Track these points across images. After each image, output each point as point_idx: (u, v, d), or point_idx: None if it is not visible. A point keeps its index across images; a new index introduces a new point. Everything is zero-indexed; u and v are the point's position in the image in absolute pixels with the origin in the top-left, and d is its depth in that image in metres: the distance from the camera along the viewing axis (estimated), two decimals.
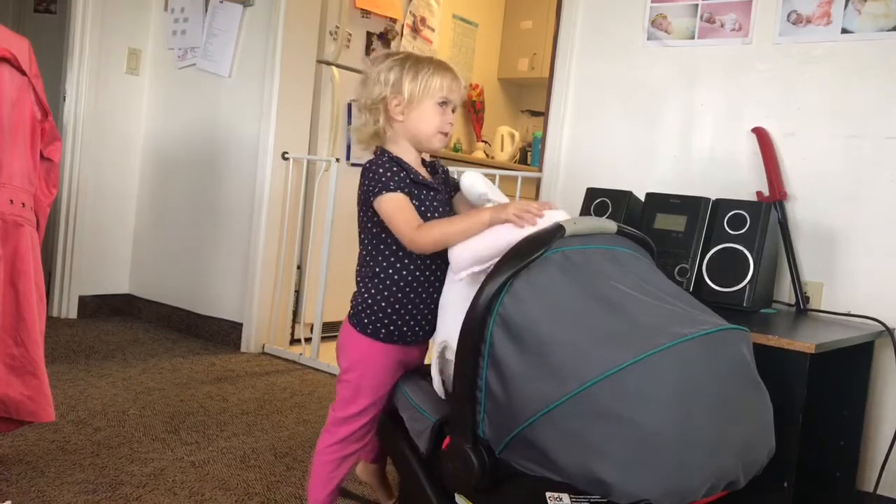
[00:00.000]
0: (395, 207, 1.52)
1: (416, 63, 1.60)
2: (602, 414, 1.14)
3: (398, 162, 1.58)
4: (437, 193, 1.62)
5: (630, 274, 1.34)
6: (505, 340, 1.24)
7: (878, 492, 1.94)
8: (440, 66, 1.61)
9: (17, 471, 1.94)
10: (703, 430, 1.17)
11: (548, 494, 1.25)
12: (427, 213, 1.57)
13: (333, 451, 1.64)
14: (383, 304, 1.58)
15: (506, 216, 1.41)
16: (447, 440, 1.36)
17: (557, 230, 1.31)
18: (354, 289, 1.65)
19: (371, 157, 1.63)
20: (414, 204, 1.55)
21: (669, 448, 1.13)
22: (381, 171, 1.54)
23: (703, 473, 1.17)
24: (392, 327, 1.58)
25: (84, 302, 3.82)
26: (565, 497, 1.24)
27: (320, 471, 1.65)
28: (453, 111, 1.64)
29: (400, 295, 1.57)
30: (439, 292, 1.58)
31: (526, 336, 1.22)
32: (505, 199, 1.55)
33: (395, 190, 1.52)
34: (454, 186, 1.70)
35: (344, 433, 1.62)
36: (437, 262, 1.58)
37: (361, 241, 1.64)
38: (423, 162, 1.68)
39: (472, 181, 1.56)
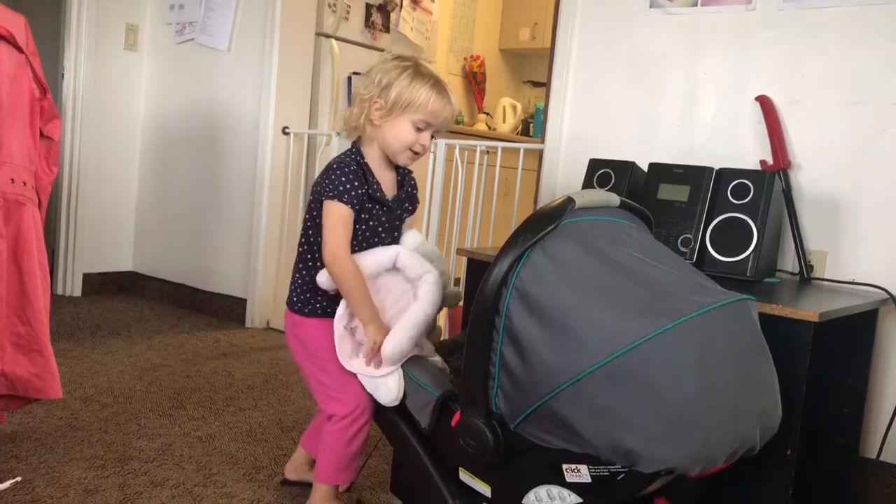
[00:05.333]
0: (338, 219, 1.57)
1: (414, 76, 1.58)
2: (630, 384, 1.13)
3: (364, 171, 1.60)
4: (391, 212, 1.66)
5: (639, 244, 1.33)
6: (523, 312, 1.23)
7: (881, 458, 1.95)
8: (435, 86, 1.58)
9: (26, 447, 1.96)
10: (728, 397, 1.17)
11: (564, 466, 1.25)
12: (373, 228, 1.63)
13: (342, 431, 1.62)
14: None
15: (366, 345, 1.54)
16: (457, 416, 1.35)
17: (568, 202, 1.30)
18: None
19: (345, 149, 1.66)
20: (363, 217, 1.60)
21: (696, 416, 1.14)
22: (343, 178, 1.57)
23: (728, 439, 1.18)
24: (325, 303, 1.65)
25: (88, 279, 3.83)
26: (583, 468, 1.24)
27: (331, 453, 1.65)
28: (433, 136, 1.63)
29: None
30: None
31: (547, 307, 1.21)
32: (421, 269, 1.60)
33: (347, 203, 1.56)
34: (416, 202, 1.74)
35: (344, 411, 1.61)
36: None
37: (305, 226, 1.66)
38: (398, 169, 1.68)
39: (416, 242, 1.68)
